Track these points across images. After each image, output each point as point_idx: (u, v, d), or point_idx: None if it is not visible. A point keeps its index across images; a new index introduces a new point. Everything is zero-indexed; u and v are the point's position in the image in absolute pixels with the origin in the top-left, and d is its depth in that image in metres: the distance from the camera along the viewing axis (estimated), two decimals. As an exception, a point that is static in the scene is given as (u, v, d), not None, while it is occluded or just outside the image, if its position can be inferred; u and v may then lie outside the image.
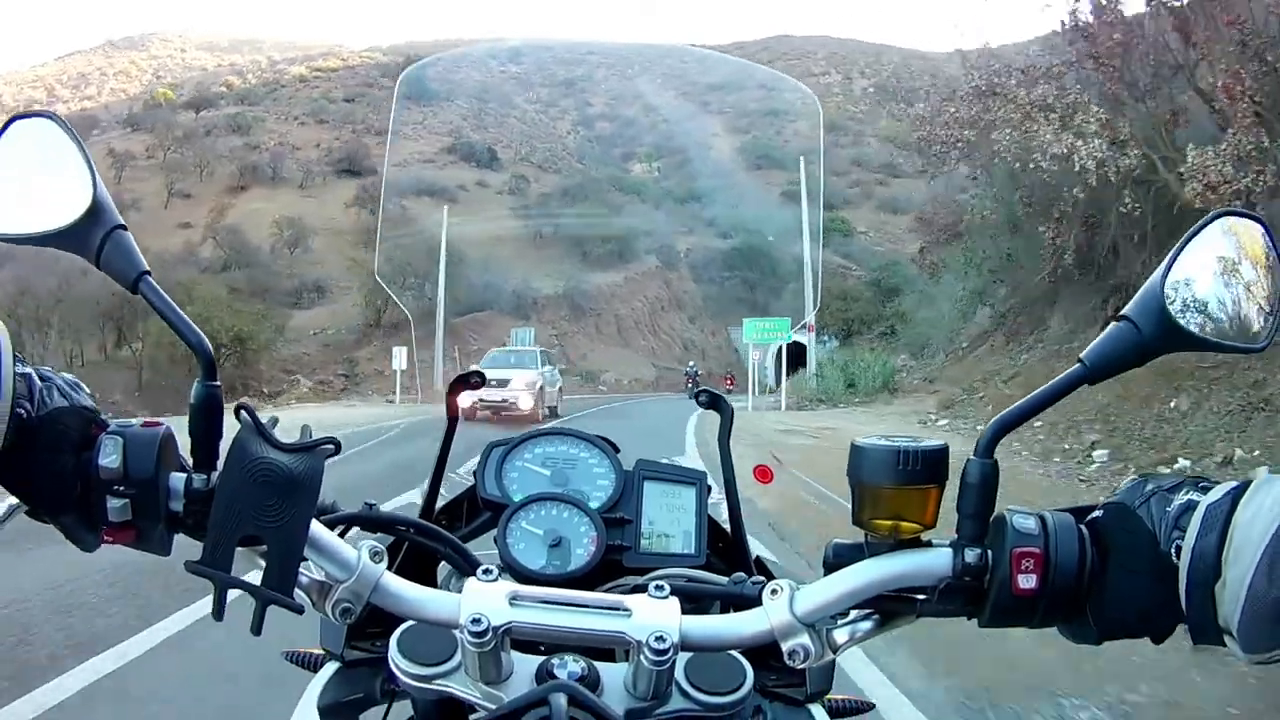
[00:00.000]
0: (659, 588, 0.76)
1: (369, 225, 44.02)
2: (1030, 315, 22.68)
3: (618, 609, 0.75)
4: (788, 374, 33.58)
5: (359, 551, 0.77)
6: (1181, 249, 0.73)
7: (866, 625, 0.78)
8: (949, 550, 0.74)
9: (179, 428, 0.78)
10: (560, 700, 0.67)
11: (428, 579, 0.97)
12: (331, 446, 0.74)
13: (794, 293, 45.72)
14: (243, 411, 0.72)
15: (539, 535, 1.00)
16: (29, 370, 0.73)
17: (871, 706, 1.09)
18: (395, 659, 0.75)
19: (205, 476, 0.75)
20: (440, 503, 1.14)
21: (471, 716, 0.75)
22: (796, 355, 37.94)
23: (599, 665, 0.76)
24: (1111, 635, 0.72)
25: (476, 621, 0.71)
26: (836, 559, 0.78)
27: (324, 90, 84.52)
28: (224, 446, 0.74)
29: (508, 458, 1.10)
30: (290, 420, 0.74)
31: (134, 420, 0.76)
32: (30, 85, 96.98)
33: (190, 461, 0.77)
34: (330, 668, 0.94)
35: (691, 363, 44.92)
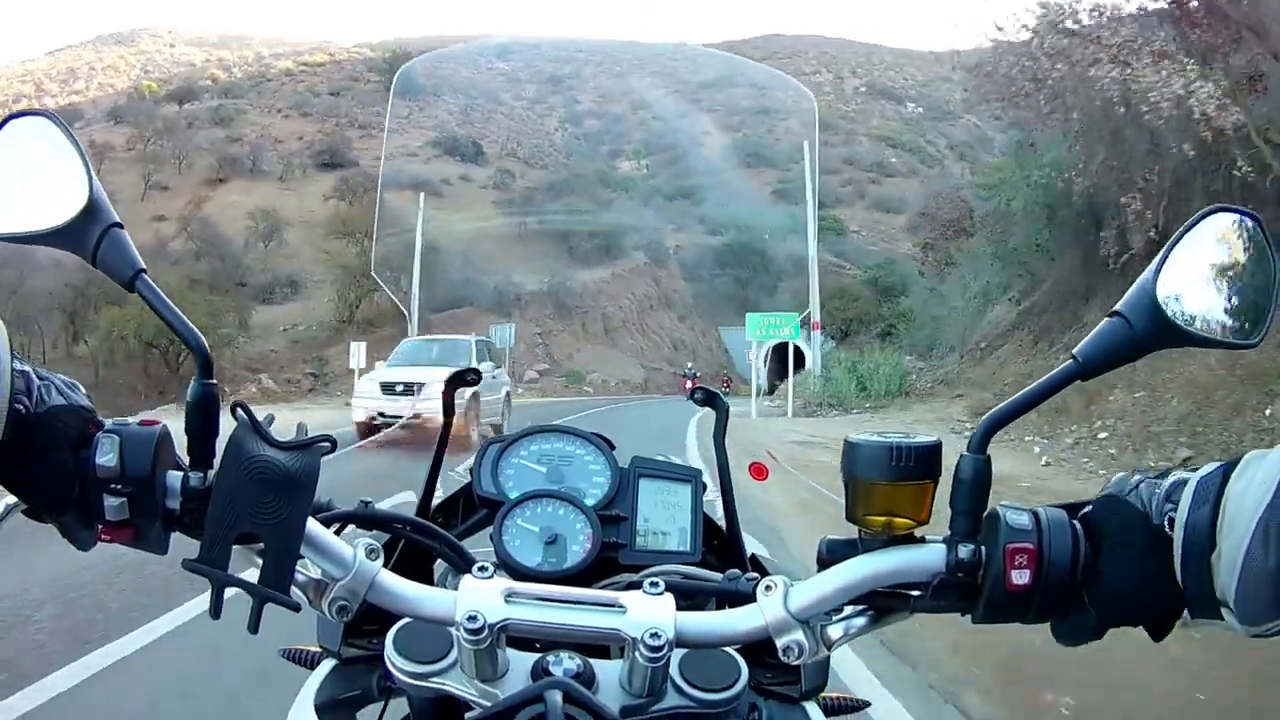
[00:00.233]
0: (654, 585, 0.76)
1: (344, 216, 41.07)
2: (1062, 311, 20.07)
3: (613, 606, 0.74)
4: (782, 377, 31.02)
5: (355, 549, 0.76)
6: (1175, 244, 0.73)
7: (860, 621, 0.78)
8: (942, 546, 0.73)
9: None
10: (555, 697, 0.67)
11: (424, 576, 0.94)
12: (328, 444, 0.73)
13: (789, 291, 43.58)
14: (239, 409, 0.72)
15: (535, 532, 0.97)
16: (27, 368, 0.72)
17: (867, 704, 1.05)
18: (391, 656, 0.73)
19: (202, 475, 0.74)
20: (436, 500, 1.11)
21: (467, 714, 0.73)
22: (788, 357, 35.92)
23: (594, 662, 0.75)
24: (1110, 620, 0.70)
25: (472, 619, 0.70)
26: (830, 555, 0.77)
27: (309, 84, 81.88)
28: (220, 444, 0.73)
29: (504, 455, 1.06)
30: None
31: (131, 419, 0.75)
32: (19, 80, 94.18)
33: (187, 460, 0.76)
34: (327, 665, 0.92)
35: (690, 364, 43.11)
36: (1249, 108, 11.74)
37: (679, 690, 0.73)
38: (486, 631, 0.70)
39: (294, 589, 0.72)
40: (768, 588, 0.77)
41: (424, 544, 0.91)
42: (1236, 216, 0.74)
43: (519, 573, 0.93)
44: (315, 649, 0.96)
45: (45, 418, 0.71)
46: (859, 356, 25.06)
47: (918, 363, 26.10)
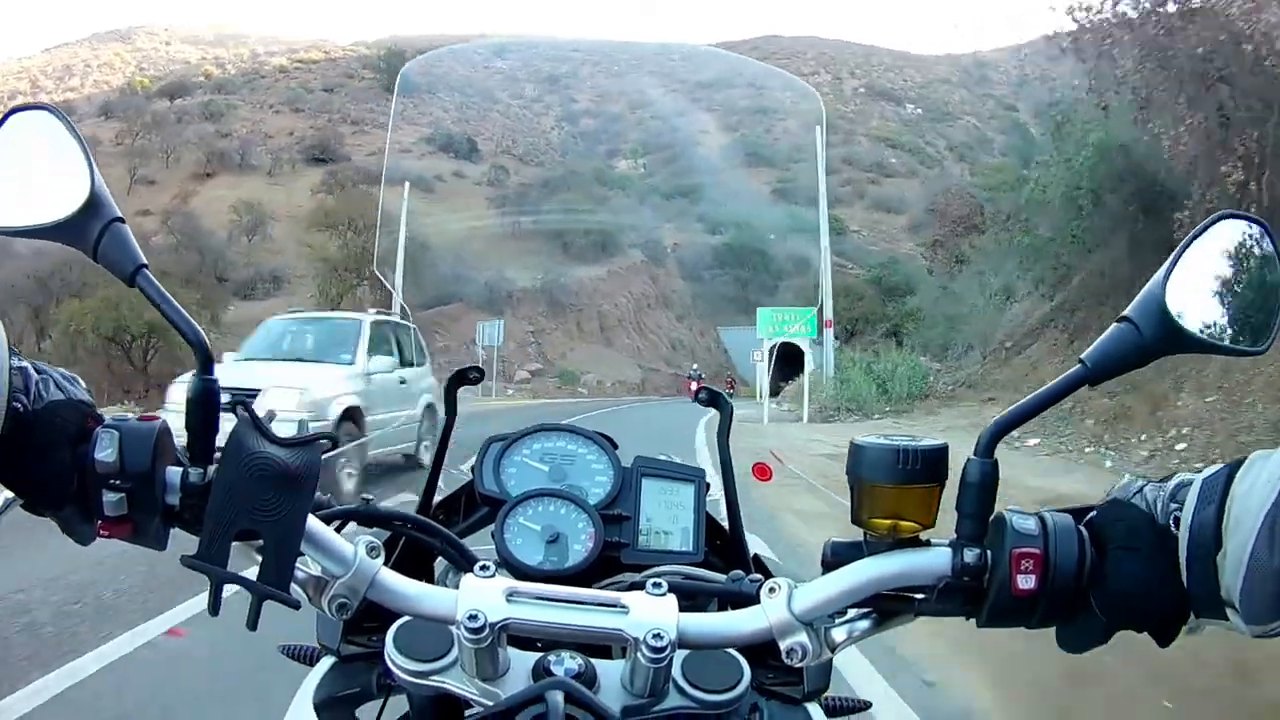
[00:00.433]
0: (656, 585, 0.74)
1: (328, 208, 38.68)
2: (1101, 306, 18.04)
3: (615, 606, 0.73)
4: (785, 379, 28.99)
5: (356, 547, 0.75)
6: (1183, 251, 0.72)
7: (864, 624, 0.76)
8: (948, 550, 0.72)
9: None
10: (557, 697, 0.66)
11: (425, 574, 0.94)
12: (329, 442, 0.73)
13: (790, 290, 41.64)
14: (239, 406, 0.71)
15: (536, 531, 0.95)
16: (25, 364, 0.71)
17: (868, 705, 1.02)
18: (392, 655, 0.72)
19: (201, 471, 0.73)
20: (437, 498, 1.10)
21: (468, 712, 0.73)
22: (788, 357, 33.97)
23: (596, 662, 0.74)
24: (1117, 624, 0.69)
25: (473, 618, 0.69)
26: (835, 558, 0.75)
27: (303, 81, 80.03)
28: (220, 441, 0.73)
29: (506, 453, 1.05)
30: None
31: (130, 414, 0.74)
32: (15, 76, 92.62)
33: (186, 456, 0.74)
34: (326, 662, 0.91)
35: (694, 366, 41.26)
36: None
37: (681, 691, 0.72)
38: (487, 631, 0.69)
39: (294, 586, 0.71)
40: (771, 589, 0.75)
41: (425, 542, 0.89)
42: (1245, 223, 0.74)
43: (520, 571, 0.91)
44: (314, 646, 0.94)
45: (43, 414, 0.69)
46: (872, 357, 22.88)
47: (933, 363, 24.02)
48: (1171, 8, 11.79)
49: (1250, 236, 0.74)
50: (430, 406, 10.49)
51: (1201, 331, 0.71)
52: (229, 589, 0.67)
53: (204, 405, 0.73)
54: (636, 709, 0.71)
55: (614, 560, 0.97)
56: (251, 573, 0.68)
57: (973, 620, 0.73)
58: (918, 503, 0.71)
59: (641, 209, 56.08)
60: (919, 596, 0.73)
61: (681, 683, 0.72)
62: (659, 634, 0.69)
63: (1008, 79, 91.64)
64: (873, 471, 0.71)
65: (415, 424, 10.18)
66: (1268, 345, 0.72)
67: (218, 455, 0.71)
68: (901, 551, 0.72)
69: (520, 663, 0.73)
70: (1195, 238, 0.73)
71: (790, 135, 71.08)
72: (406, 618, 0.74)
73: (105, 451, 0.69)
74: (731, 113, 76.69)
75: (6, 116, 0.76)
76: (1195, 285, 0.72)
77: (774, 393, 33.96)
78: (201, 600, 0.75)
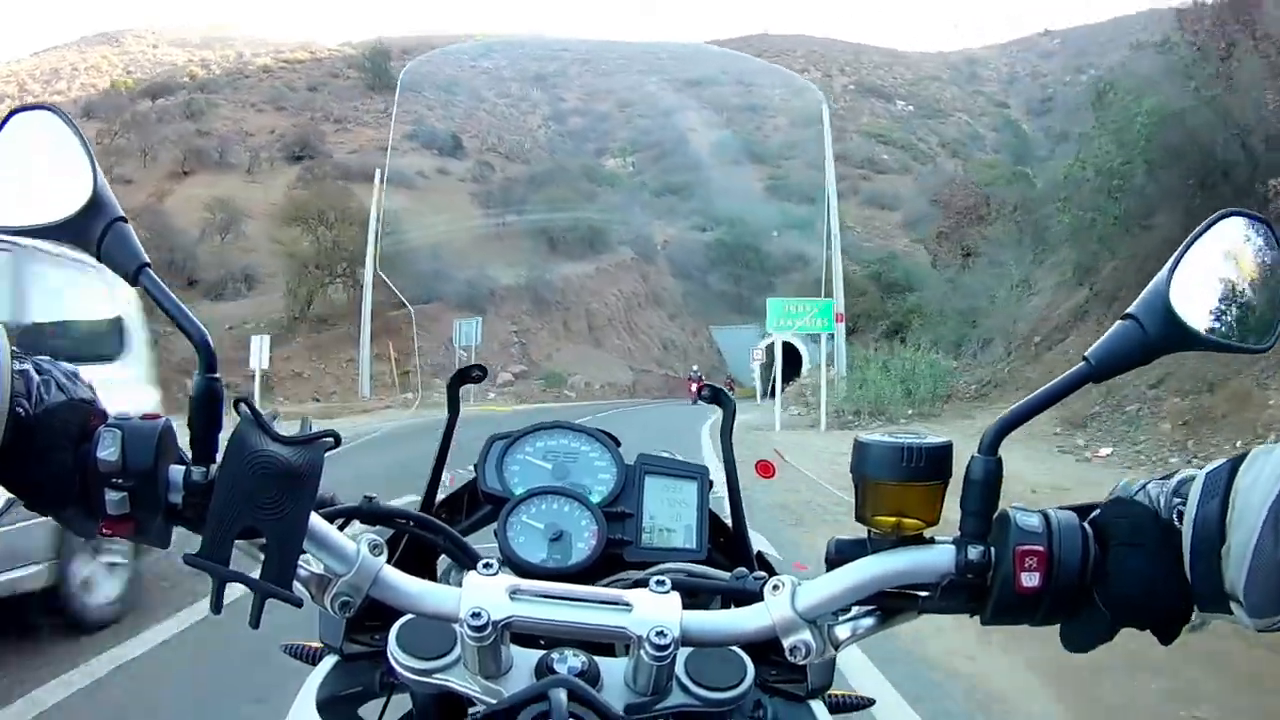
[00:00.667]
0: (660, 583, 0.74)
1: (300, 201, 35.82)
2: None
3: (618, 604, 0.72)
4: (786, 379, 26.68)
5: (359, 545, 0.74)
6: (1188, 248, 0.72)
7: (868, 622, 0.76)
8: (952, 547, 0.71)
9: None
10: (560, 695, 0.66)
11: (427, 571, 0.94)
12: (331, 440, 0.72)
13: (786, 287, 39.39)
14: (242, 404, 0.70)
15: (540, 529, 0.95)
16: (27, 365, 0.70)
17: (871, 702, 1.04)
18: (394, 653, 0.72)
19: (204, 469, 0.71)
20: (440, 496, 1.09)
21: (471, 710, 0.73)
22: (787, 357, 31.82)
23: (599, 660, 0.74)
24: (1121, 620, 0.69)
25: (476, 615, 0.69)
26: (839, 555, 0.74)
27: (286, 80, 77.40)
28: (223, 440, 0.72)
29: (509, 451, 1.04)
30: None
31: (133, 413, 0.73)
32: (3, 80, 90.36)
33: (189, 454, 0.73)
34: (329, 661, 0.91)
35: (695, 367, 39.02)
36: None
37: (684, 689, 0.72)
38: (490, 629, 0.69)
39: (296, 584, 0.70)
40: (775, 587, 0.74)
41: (428, 540, 0.89)
42: (1248, 221, 0.74)
43: (523, 569, 0.91)
44: (317, 645, 0.94)
45: (44, 417, 0.68)
46: (885, 354, 20.43)
47: (948, 361, 21.63)
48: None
49: (1254, 233, 0.73)
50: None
51: (1206, 329, 0.71)
52: (232, 587, 0.67)
53: (207, 403, 0.72)
54: (640, 707, 0.71)
55: (617, 558, 0.96)
56: (254, 571, 0.67)
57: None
58: (922, 500, 0.70)
59: (632, 205, 53.73)
60: (923, 594, 0.73)
61: (685, 680, 0.72)
62: (662, 632, 0.69)
63: (998, 76, 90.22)
64: (877, 469, 0.70)
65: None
66: (1273, 343, 0.71)
67: (220, 454, 0.70)
68: (905, 549, 0.72)
69: (523, 661, 0.73)
70: (1200, 235, 0.72)
71: (781, 132, 69.28)
72: (409, 616, 0.73)
73: (108, 450, 0.68)
74: (722, 109, 74.61)
75: (9, 117, 0.76)
76: (1200, 282, 0.71)
77: (774, 394, 31.64)
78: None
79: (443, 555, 0.95)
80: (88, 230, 0.73)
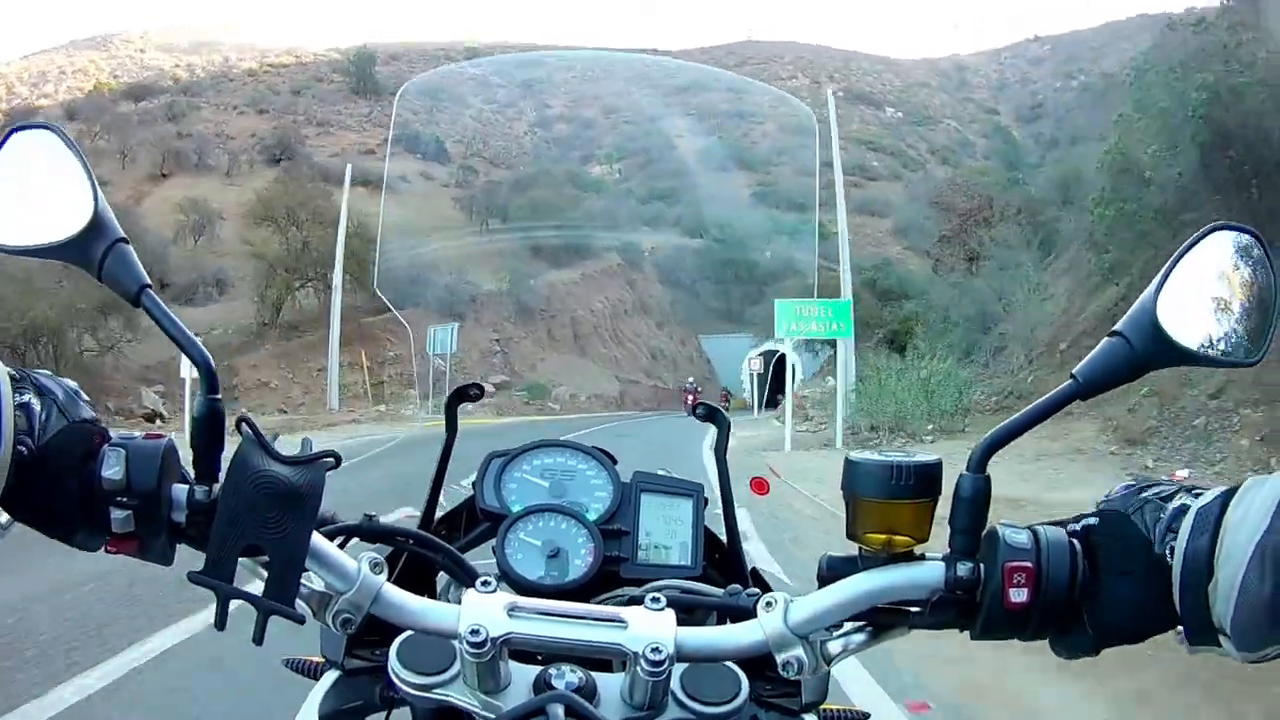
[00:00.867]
0: (655, 600, 0.75)
1: (269, 199, 33.43)
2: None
3: (615, 621, 0.73)
4: (771, 395, 24.91)
5: (360, 563, 0.75)
6: (1176, 263, 0.72)
7: (860, 637, 0.76)
8: (941, 564, 0.72)
9: None
10: (558, 710, 0.67)
11: (426, 587, 0.96)
12: (332, 460, 0.72)
13: (780, 294, 37.46)
14: (245, 424, 0.72)
15: (537, 546, 0.95)
16: (28, 397, 0.69)
17: (866, 717, 1.03)
18: (395, 668, 0.74)
19: (207, 488, 0.72)
20: (439, 513, 1.10)
21: None
22: (772, 371, 30.10)
23: (596, 675, 0.74)
24: (1108, 641, 0.69)
25: (475, 632, 0.70)
26: (830, 572, 0.75)
27: (270, 84, 75.47)
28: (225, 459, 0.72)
29: (506, 469, 1.05)
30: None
31: (136, 432, 0.74)
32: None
33: (192, 473, 0.74)
34: (330, 676, 0.91)
35: (690, 379, 36.92)
36: None
37: (680, 704, 0.73)
38: (489, 645, 0.69)
39: (298, 601, 0.71)
40: (768, 604, 0.75)
41: (428, 557, 0.89)
42: (1236, 234, 0.73)
43: (521, 586, 0.91)
44: (318, 660, 0.95)
45: (49, 449, 0.68)
46: (899, 365, 18.45)
47: (965, 370, 19.73)
48: None
49: (1243, 247, 0.73)
50: None
51: (1193, 344, 0.70)
52: (235, 603, 0.68)
53: (210, 423, 0.72)
54: None
55: (613, 574, 0.96)
56: (256, 588, 0.68)
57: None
58: (911, 517, 0.71)
59: (618, 211, 51.83)
60: (913, 609, 0.73)
61: (680, 695, 0.72)
62: (658, 648, 0.70)
63: (988, 82, 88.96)
64: (867, 487, 0.71)
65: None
66: (1261, 356, 0.72)
67: (223, 474, 0.70)
68: (896, 566, 0.72)
69: (521, 676, 0.73)
70: (1188, 249, 0.72)
71: (769, 139, 67.63)
72: (409, 632, 0.74)
73: (112, 470, 0.69)
74: (709, 116, 72.97)
75: (8, 136, 0.75)
76: (1187, 298, 0.71)
77: (770, 404, 29.71)
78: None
79: (441, 571, 0.94)
80: (89, 251, 0.73)
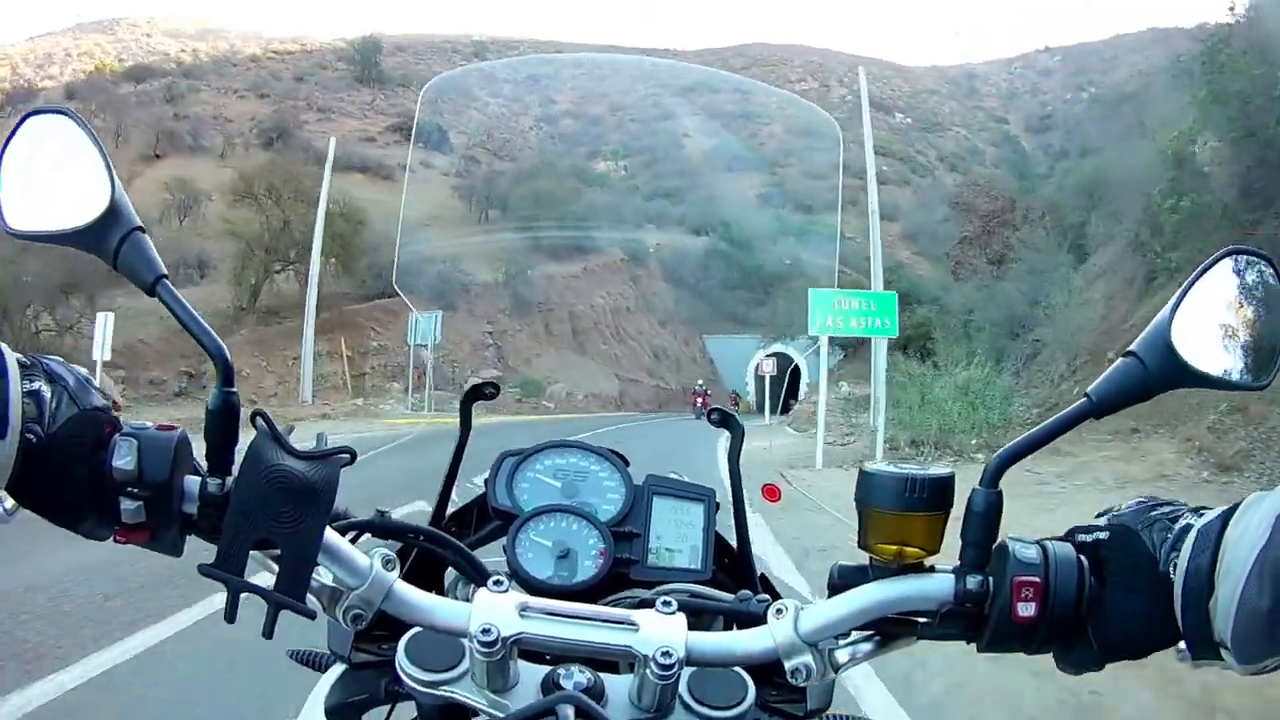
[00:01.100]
0: (666, 603, 0.75)
1: (250, 174, 31.19)
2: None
3: (625, 623, 0.73)
4: (777, 402, 22.97)
5: (372, 559, 0.74)
6: (1190, 286, 0.72)
7: (868, 646, 0.76)
8: (951, 576, 0.72)
9: None
10: (567, 711, 0.67)
11: (434, 583, 0.96)
12: (347, 455, 0.72)
13: (785, 297, 35.49)
14: (259, 418, 0.71)
15: (548, 546, 0.95)
16: (38, 384, 0.68)
17: None
18: (403, 664, 0.73)
19: (220, 481, 0.71)
20: (450, 509, 1.09)
21: None
22: (786, 375, 28.21)
23: (604, 676, 0.74)
24: (1112, 656, 0.70)
25: (486, 631, 0.69)
26: (841, 581, 0.76)
27: (273, 70, 73.54)
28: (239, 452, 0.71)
29: (519, 468, 1.04)
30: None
31: (149, 422, 0.72)
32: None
33: (205, 466, 0.73)
34: (337, 669, 0.91)
35: (700, 381, 35.18)
36: None
37: (687, 707, 0.73)
38: (500, 644, 0.69)
39: (309, 596, 0.70)
40: (779, 610, 0.75)
41: (439, 554, 0.88)
42: (1251, 259, 0.74)
43: (531, 585, 0.91)
44: (324, 652, 0.93)
45: (58, 437, 0.66)
46: (932, 370, 16.34)
47: (1001, 379, 17.57)
48: None
49: (1256, 271, 0.74)
50: None
51: (1206, 366, 0.71)
52: (245, 596, 0.67)
53: (224, 416, 0.71)
54: None
55: (623, 576, 0.96)
56: (267, 581, 0.67)
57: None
58: (923, 530, 0.71)
59: (622, 207, 49.85)
60: (922, 620, 0.73)
61: (688, 699, 0.73)
62: (668, 651, 0.69)
63: (997, 91, 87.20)
64: (880, 498, 0.71)
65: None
66: (1271, 379, 0.72)
67: (236, 467, 0.70)
68: (906, 577, 0.73)
69: (530, 676, 0.73)
70: (1203, 273, 0.72)
71: (776, 140, 65.78)
72: (418, 628, 0.74)
73: (124, 460, 0.67)
74: (716, 116, 71.08)
75: (23, 120, 0.74)
76: (1201, 320, 0.71)
77: (784, 410, 27.60)
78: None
79: (451, 568, 0.94)
80: (105, 239, 0.71)
